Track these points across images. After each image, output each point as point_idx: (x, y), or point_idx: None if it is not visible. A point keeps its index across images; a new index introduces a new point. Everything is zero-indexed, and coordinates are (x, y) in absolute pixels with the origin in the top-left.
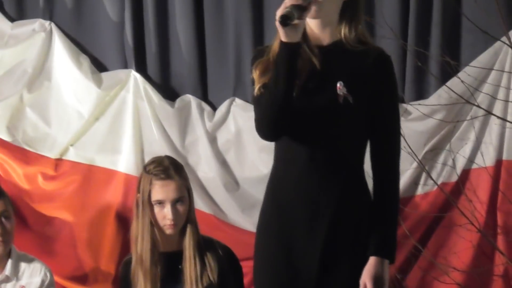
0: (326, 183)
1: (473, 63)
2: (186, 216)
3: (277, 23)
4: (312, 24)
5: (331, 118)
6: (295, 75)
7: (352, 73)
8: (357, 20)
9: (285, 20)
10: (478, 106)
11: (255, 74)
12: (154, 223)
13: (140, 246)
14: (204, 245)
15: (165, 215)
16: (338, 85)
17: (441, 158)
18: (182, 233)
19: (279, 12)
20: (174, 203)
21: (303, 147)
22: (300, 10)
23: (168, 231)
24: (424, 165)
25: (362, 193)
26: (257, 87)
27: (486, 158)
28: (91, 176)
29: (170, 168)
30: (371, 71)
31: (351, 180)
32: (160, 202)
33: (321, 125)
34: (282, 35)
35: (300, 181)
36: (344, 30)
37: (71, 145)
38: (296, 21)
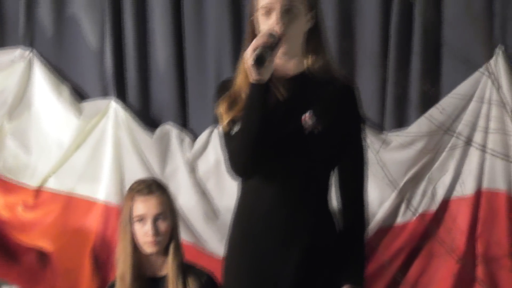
0: (296, 213)
1: (453, 92)
2: (169, 237)
3: (249, 65)
4: (277, 57)
5: (298, 148)
6: (267, 113)
7: (319, 103)
8: (322, 49)
9: (259, 62)
10: (458, 136)
11: (222, 109)
12: (136, 243)
13: (122, 267)
14: (187, 270)
15: (146, 232)
16: (305, 115)
17: (421, 188)
18: (166, 256)
19: (250, 54)
20: (155, 219)
21: (271, 178)
22: (270, 49)
23: (149, 249)
24: (404, 195)
25: (331, 222)
26: (224, 123)
27: (466, 188)
28: (71, 205)
29: (153, 184)
30: (337, 101)
31: (321, 209)
32: (141, 219)
33: (289, 156)
34: (253, 75)
35: (270, 212)
36: (309, 61)
37: (52, 174)
38: (267, 61)
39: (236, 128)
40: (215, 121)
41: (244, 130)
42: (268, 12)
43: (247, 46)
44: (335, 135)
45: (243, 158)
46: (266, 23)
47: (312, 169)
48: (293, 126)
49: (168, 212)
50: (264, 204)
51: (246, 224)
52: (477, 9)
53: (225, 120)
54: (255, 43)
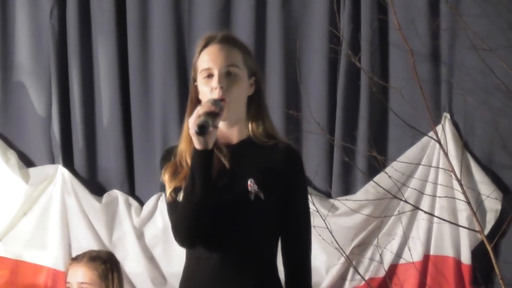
0: (240, 279)
1: (401, 158)
2: None
3: (192, 133)
4: (220, 124)
5: (242, 215)
6: (211, 181)
7: (262, 170)
8: (263, 114)
9: (202, 130)
10: (406, 201)
11: (165, 178)
12: None
13: None
14: None
15: None
16: (249, 182)
17: (368, 253)
18: None
19: (193, 122)
20: (79, 286)
21: (214, 245)
22: (214, 116)
23: None
24: (352, 261)
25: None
26: (168, 192)
27: (414, 253)
28: (18, 271)
29: (89, 255)
30: (280, 167)
31: (264, 276)
32: (70, 287)
33: (233, 223)
34: (196, 143)
35: (213, 278)
36: (251, 126)
37: None
38: (211, 129)
39: (180, 197)
40: (162, 188)
41: (186, 199)
42: (209, 75)
43: (190, 111)
44: (278, 201)
45: (185, 228)
46: (207, 86)
47: (255, 236)
48: (238, 192)
49: (96, 283)
50: (206, 272)
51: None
52: (423, 76)
53: (168, 188)
54: (198, 111)
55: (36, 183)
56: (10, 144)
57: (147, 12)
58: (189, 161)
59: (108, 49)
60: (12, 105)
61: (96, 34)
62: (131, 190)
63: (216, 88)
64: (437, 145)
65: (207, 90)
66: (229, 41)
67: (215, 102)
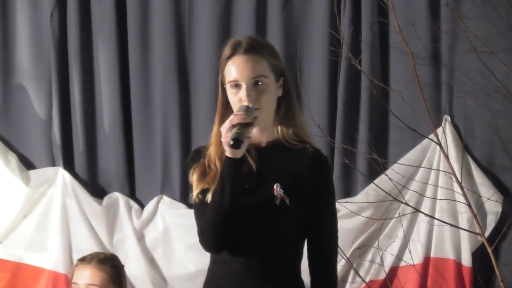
0: (264, 284)
1: (401, 160)
2: None
3: (225, 141)
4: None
5: (268, 219)
6: (240, 188)
7: (289, 175)
8: (294, 115)
9: (237, 144)
10: (406, 204)
11: (193, 179)
12: None
13: None
14: None
15: None
16: (275, 186)
17: (369, 256)
18: None
19: (227, 130)
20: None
21: (239, 249)
22: (247, 126)
23: None
24: (352, 263)
25: None
26: (195, 193)
27: (414, 256)
28: (19, 273)
29: (97, 257)
30: (308, 173)
31: (289, 281)
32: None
33: (258, 226)
34: (228, 152)
35: (236, 282)
36: (281, 128)
37: None
38: (245, 141)
39: (208, 197)
40: (162, 191)
41: (214, 206)
42: (236, 85)
43: (220, 114)
44: (306, 207)
45: (212, 236)
46: (236, 97)
47: (280, 240)
48: (264, 196)
49: (104, 285)
50: (230, 275)
51: None
52: (424, 78)
53: (196, 190)
54: (232, 120)
55: (36, 186)
56: (11, 147)
57: (147, 14)
58: (217, 163)
59: (109, 51)
60: (13, 108)
61: (96, 36)
62: (131, 193)
63: (244, 100)
64: (438, 147)
65: (236, 100)
66: (254, 50)
67: (249, 110)
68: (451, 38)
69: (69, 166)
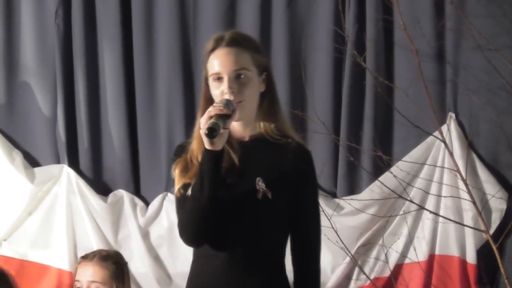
0: (247, 278)
1: (406, 157)
2: None
3: (202, 134)
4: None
5: (250, 213)
6: (219, 181)
7: (271, 169)
8: (276, 110)
9: (212, 133)
10: (411, 201)
11: (175, 173)
12: None
13: None
14: None
15: None
16: (256, 181)
17: (374, 253)
18: None
19: (205, 122)
20: (88, 286)
21: (221, 243)
22: (225, 118)
23: None
24: (357, 260)
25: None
26: (176, 188)
27: (419, 253)
28: (23, 271)
29: (99, 254)
30: (290, 167)
31: (272, 275)
32: (79, 285)
33: (241, 221)
34: (206, 143)
35: (220, 277)
36: (263, 123)
37: (4, 240)
38: (221, 131)
39: (189, 192)
40: (167, 188)
41: (194, 198)
42: (219, 78)
43: (203, 108)
44: (287, 201)
45: (192, 228)
46: (217, 89)
47: (263, 235)
48: (246, 190)
49: (107, 283)
50: (213, 271)
51: (197, 285)
52: (428, 76)
53: (177, 184)
54: (210, 112)
55: (41, 183)
56: (16, 144)
57: (152, 12)
58: (199, 158)
59: (113, 49)
60: (18, 105)
61: (101, 34)
62: (136, 190)
63: (226, 93)
64: (442, 144)
65: (218, 93)
66: (236, 43)
67: (228, 103)
68: (455, 35)
69: (74, 163)
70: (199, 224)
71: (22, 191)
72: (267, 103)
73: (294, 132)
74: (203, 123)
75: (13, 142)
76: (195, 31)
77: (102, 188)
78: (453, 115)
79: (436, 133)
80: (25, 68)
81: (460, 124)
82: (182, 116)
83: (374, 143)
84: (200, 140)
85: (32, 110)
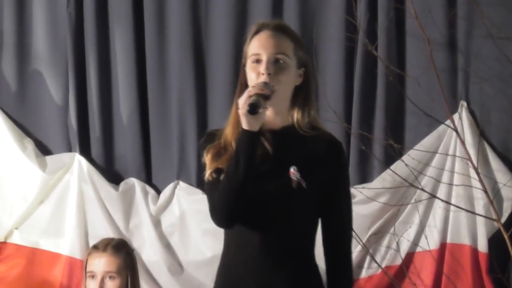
0: (279, 268)
1: (417, 146)
2: None
3: (243, 112)
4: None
5: (283, 202)
6: (255, 163)
7: (305, 159)
8: (310, 105)
9: (254, 109)
10: (422, 190)
11: (207, 159)
12: None
13: None
14: None
15: None
16: (291, 170)
17: (385, 241)
18: None
19: (244, 101)
20: (103, 278)
21: (255, 232)
22: (264, 98)
23: None
24: (368, 249)
25: (314, 277)
26: (208, 172)
27: (430, 241)
28: (35, 259)
29: (110, 244)
30: (323, 158)
31: (304, 265)
32: (92, 275)
33: (274, 210)
34: (245, 123)
35: (252, 266)
36: (296, 115)
37: (16, 228)
38: (261, 110)
39: (221, 177)
40: (179, 176)
41: (228, 178)
42: (257, 60)
43: (239, 95)
44: (321, 192)
45: (224, 207)
46: (254, 71)
47: (295, 224)
48: (280, 179)
49: (121, 272)
50: (246, 257)
51: (228, 274)
52: (440, 64)
53: (209, 169)
54: (249, 91)
55: (53, 171)
56: (27, 132)
57: (164, 0)
58: (233, 144)
59: (125, 37)
60: (29, 94)
61: (113, 22)
62: (148, 178)
63: (263, 74)
64: (454, 133)
65: (254, 75)
66: (281, 30)
67: (266, 84)
68: (467, 24)
69: (85, 151)
70: (232, 203)
71: (33, 179)
72: (302, 97)
73: (325, 127)
74: (242, 102)
75: (25, 131)
76: (207, 17)
77: (113, 176)
78: (465, 103)
79: (448, 122)
80: (37, 57)
81: (471, 113)
82: (193, 104)
83: (385, 131)
84: (235, 126)
85: (43, 98)
